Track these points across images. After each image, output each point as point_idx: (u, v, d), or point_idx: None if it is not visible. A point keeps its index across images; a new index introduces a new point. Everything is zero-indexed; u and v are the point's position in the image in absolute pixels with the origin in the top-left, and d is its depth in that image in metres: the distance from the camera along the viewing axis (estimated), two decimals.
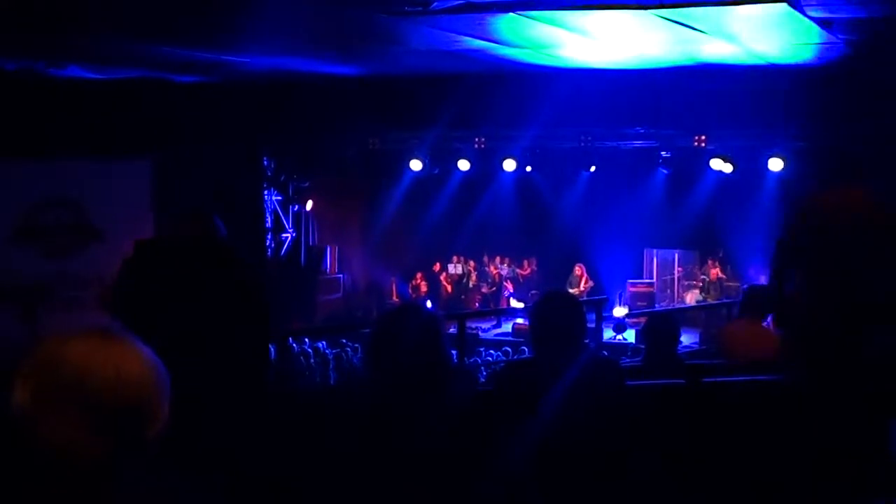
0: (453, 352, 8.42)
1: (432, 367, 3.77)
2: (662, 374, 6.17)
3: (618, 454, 4.46)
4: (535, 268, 24.11)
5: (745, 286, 20.42)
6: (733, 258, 21.51)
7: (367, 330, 4.01)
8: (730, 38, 12.41)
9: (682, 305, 21.37)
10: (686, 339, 17.94)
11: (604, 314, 16.50)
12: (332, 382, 13.89)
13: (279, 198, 21.59)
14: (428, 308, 4.24)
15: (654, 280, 22.36)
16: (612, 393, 4.63)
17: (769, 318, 7.64)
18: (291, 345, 15.07)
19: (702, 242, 22.19)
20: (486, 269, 24.10)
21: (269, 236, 21.26)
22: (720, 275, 21.54)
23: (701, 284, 21.75)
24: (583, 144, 18.26)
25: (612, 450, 4.45)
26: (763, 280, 17.62)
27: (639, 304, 21.07)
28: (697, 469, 5.05)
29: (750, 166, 18.06)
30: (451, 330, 10.37)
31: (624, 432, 4.53)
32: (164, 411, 2.21)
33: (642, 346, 7.42)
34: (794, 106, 15.48)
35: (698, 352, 16.78)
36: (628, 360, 13.16)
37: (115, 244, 17.30)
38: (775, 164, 17.43)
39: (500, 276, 23.93)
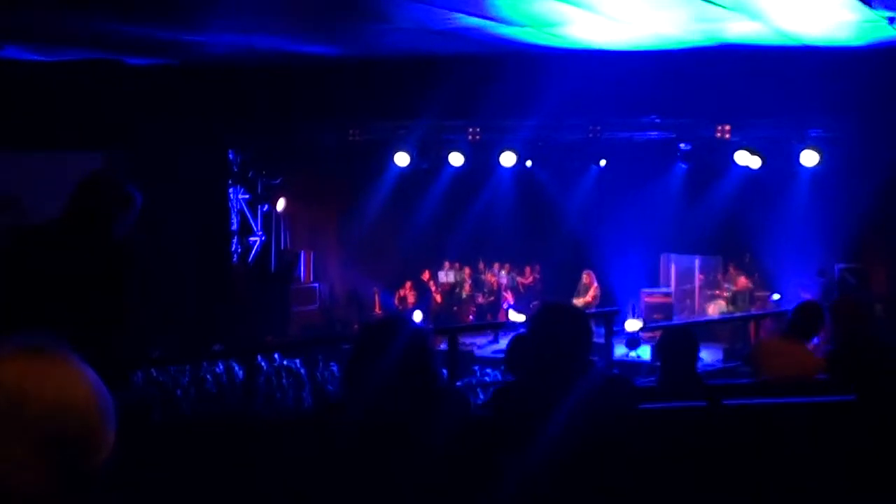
0: (444, 371, 8.42)
1: (420, 389, 3.76)
2: (680, 395, 6.17)
3: (628, 487, 4.45)
4: (537, 275, 24.12)
5: (772, 296, 20.50)
6: (762, 265, 21.52)
7: (347, 346, 4.01)
8: (756, 15, 12.44)
9: (704, 318, 21.37)
10: (708, 355, 17.96)
11: (615, 328, 16.51)
12: (306, 406, 13.86)
13: (246, 196, 21.57)
14: (415, 321, 4.24)
15: (672, 289, 22.36)
16: (622, 417, 4.62)
17: (815, 341, 7.68)
18: (260, 363, 15.03)
19: (726, 247, 22.21)
20: (483, 277, 24.12)
21: (234, 240, 21.25)
22: (748, 284, 21.53)
23: (725, 294, 21.75)
24: (591, 136, 18.28)
25: (622, 483, 4.44)
26: (803, 294, 17.66)
27: (655, 316, 21.06)
28: (719, 502, 5.04)
29: (780, 160, 18.10)
30: (442, 346, 10.39)
31: (636, 462, 4.52)
32: (111, 439, 2.20)
33: (657, 364, 7.42)
34: (830, 92, 15.48)
35: (721, 370, 16.78)
36: (643, 379, 13.16)
37: None
38: (809, 158, 17.46)
39: (499, 284, 23.95)
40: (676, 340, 7.37)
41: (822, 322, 7.52)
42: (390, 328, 3.91)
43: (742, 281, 21.60)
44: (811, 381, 6.73)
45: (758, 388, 6.79)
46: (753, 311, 20.03)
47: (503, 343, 20.64)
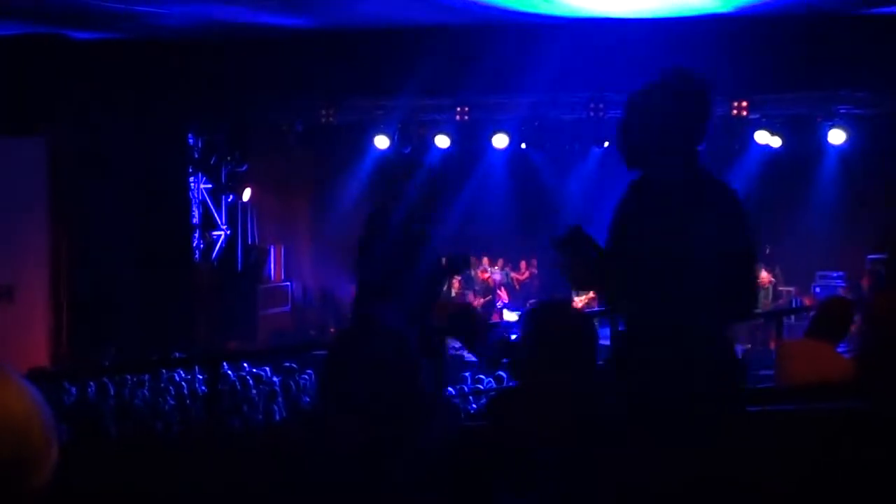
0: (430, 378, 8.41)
1: (404, 399, 3.75)
2: None
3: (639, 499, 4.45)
4: (534, 271, 24.12)
5: (794, 292, 20.48)
6: (784, 256, 21.52)
7: (323, 352, 4.00)
8: None
9: None
10: None
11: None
12: (277, 419, 13.86)
13: (209, 185, 21.54)
14: (396, 326, 4.23)
15: None
16: (625, 426, 4.61)
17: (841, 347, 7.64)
18: (226, 371, 15.01)
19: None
20: (474, 273, 24.11)
21: (196, 234, 21.22)
22: (769, 278, 21.49)
23: None
24: (592, 114, 18.26)
25: (630, 493, 4.44)
26: (838, 288, 17.66)
27: None
28: None
29: (804, 139, 18.13)
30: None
31: (644, 472, 4.52)
32: (53, 457, 2.19)
33: None
34: (861, 63, 15.50)
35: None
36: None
37: (2, 238, 17.29)
38: (836, 137, 17.50)
39: (493, 281, 23.94)
40: None
41: (851, 322, 7.48)
42: (371, 331, 3.90)
43: (762, 275, 21.54)
44: (835, 386, 6.71)
45: (778, 395, 6.78)
46: (774, 307, 19.99)
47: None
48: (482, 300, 23.32)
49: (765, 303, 21.21)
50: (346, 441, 3.75)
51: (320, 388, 3.94)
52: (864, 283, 18.57)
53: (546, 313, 4.86)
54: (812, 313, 8.07)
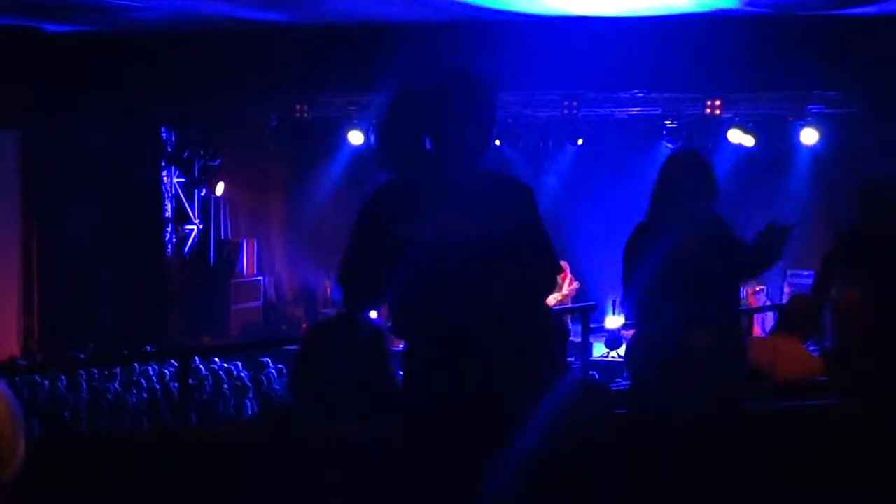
0: (400, 373, 8.41)
1: (376, 395, 3.75)
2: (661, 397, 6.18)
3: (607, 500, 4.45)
4: None
5: (766, 291, 20.53)
6: None
7: (295, 347, 3.99)
8: None
9: None
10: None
11: (593, 325, 16.51)
12: (249, 414, 13.82)
13: (182, 180, 21.47)
14: (371, 319, 4.22)
15: None
16: (600, 428, 4.61)
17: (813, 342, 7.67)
18: (198, 366, 14.97)
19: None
20: None
21: (169, 228, 21.15)
22: None
23: None
24: (567, 112, 18.28)
25: (598, 496, 4.44)
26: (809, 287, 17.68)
27: None
28: None
29: (777, 139, 18.17)
30: (400, 347, 10.38)
31: (614, 474, 4.52)
32: (21, 450, 2.19)
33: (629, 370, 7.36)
34: (833, 63, 15.55)
35: None
36: (625, 382, 13.16)
37: None
38: (808, 136, 17.55)
39: None
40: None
41: (818, 320, 7.48)
42: (344, 327, 3.90)
43: None
44: (807, 383, 6.72)
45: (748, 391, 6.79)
46: (744, 307, 20.03)
47: None
48: None
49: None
50: (318, 434, 3.75)
51: (292, 383, 3.93)
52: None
53: None
54: (778, 311, 8.10)
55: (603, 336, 19.17)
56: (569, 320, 15.92)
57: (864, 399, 5.55)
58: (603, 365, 17.74)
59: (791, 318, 7.67)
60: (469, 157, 4.54)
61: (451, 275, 4.15)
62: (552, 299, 20.10)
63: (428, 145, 4.55)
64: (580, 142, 19.54)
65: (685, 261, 5.88)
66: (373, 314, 19.25)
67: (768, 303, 19.55)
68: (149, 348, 16.34)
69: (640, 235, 6.21)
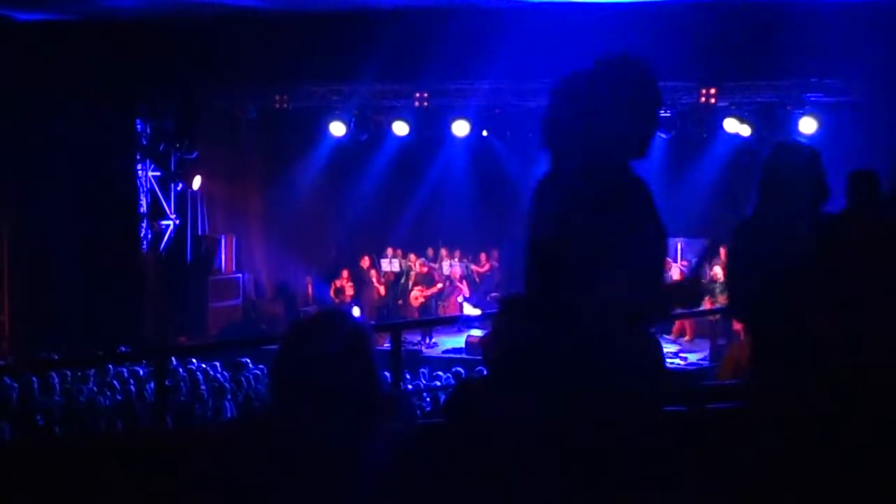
0: (386, 374, 8.41)
1: (359, 394, 3.74)
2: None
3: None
4: (495, 263, 24.08)
5: None
6: None
7: (275, 347, 3.98)
8: None
9: (686, 311, 21.37)
10: (694, 355, 18.12)
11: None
12: (228, 416, 13.81)
13: (158, 173, 21.43)
14: (354, 317, 4.22)
15: None
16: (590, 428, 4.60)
17: None
18: (174, 367, 14.95)
19: (713, 228, 22.28)
20: (432, 265, 24.06)
21: (144, 224, 21.12)
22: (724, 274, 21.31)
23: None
24: None
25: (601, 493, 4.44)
26: None
27: None
28: None
29: (775, 128, 18.16)
30: (385, 346, 10.36)
31: (613, 472, 4.52)
32: None
33: None
34: (831, 51, 15.56)
35: (706, 370, 16.87)
36: None
37: None
38: (807, 126, 17.56)
39: (456, 274, 23.83)
40: None
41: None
42: (326, 324, 3.88)
43: (714, 270, 21.32)
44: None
45: (746, 390, 6.81)
46: None
47: (456, 341, 20.65)
48: (427, 291, 23.11)
49: (721, 298, 20.92)
50: (300, 436, 3.74)
51: (272, 383, 3.92)
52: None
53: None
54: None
55: None
56: None
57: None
58: None
59: None
60: (632, 150, 4.63)
61: None
62: None
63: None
64: None
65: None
66: (356, 311, 19.16)
67: None
68: (123, 349, 16.31)
69: (749, 236, 6.02)
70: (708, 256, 7.72)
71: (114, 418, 12.95)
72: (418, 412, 11.48)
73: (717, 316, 17.41)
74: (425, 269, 23.09)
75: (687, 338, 20.29)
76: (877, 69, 15.73)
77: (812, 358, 5.26)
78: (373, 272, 23.77)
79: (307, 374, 3.75)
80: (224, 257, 23.24)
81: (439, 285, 23.01)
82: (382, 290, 23.66)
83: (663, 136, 19.28)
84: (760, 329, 5.75)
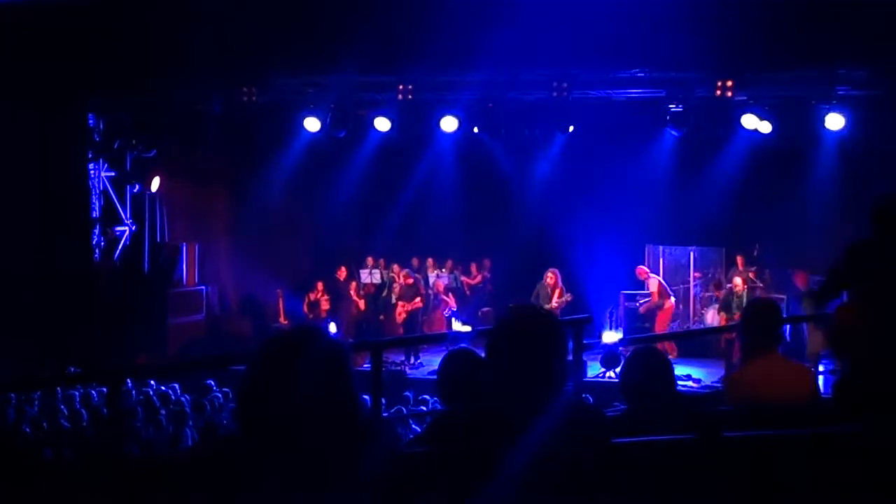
0: (366, 398, 8.40)
1: (336, 421, 3.72)
2: (662, 425, 6.20)
3: None
4: (487, 275, 24.08)
5: (786, 298, 20.52)
6: (774, 258, 21.49)
7: (243, 367, 3.96)
8: None
9: (700, 327, 21.40)
10: (707, 375, 18.11)
11: (588, 341, 16.49)
12: (189, 444, 13.80)
13: (111, 174, 21.42)
14: (331, 334, 4.20)
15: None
16: (592, 455, 4.60)
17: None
18: (130, 389, 14.91)
19: (729, 236, 22.28)
20: (417, 276, 24.03)
21: (96, 230, 21.09)
22: (755, 281, 21.37)
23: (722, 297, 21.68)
24: (556, 94, 18.26)
25: None
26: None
27: (638, 325, 21.09)
28: None
29: (798, 124, 18.19)
30: (364, 366, 10.35)
31: None
32: None
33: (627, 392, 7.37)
34: (861, 37, 15.56)
35: (719, 393, 16.85)
36: (622, 406, 13.12)
37: None
38: (834, 121, 17.57)
39: (441, 287, 23.81)
40: (644, 361, 7.35)
41: (778, 323, 7.53)
42: (299, 342, 3.86)
43: (735, 280, 21.28)
44: (811, 408, 6.78)
45: (761, 416, 6.81)
46: None
47: (434, 362, 20.60)
48: (408, 305, 22.96)
49: (737, 314, 20.86)
50: (270, 467, 3.71)
51: (241, 406, 3.89)
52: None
53: (515, 320, 4.80)
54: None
55: (599, 353, 19.11)
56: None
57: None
58: (599, 386, 17.70)
59: (755, 332, 7.67)
60: None
61: None
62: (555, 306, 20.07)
63: None
64: (571, 129, 19.52)
65: None
66: (332, 328, 19.19)
67: None
68: (73, 369, 16.28)
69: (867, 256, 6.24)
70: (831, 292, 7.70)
71: (62, 447, 12.91)
72: (402, 440, 11.46)
73: (734, 335, 17.34)
74: (410, 281, 22.98)
75: (671, 356, 20.26)
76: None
77: None
78: (351, 284, 23.75)
79: (278, 397, 3.72)
80: (186, 267, 23.23)
81: (419, 299, 22.86)
82: (362, 304, 23.65)
83: (675, 132, 19.29)
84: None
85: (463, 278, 24.05)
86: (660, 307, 20.97)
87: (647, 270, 21.59)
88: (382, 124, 19.78)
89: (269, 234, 23.47)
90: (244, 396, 3.86)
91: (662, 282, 21.43)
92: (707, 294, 22.31)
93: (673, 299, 21.22)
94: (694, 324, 21.79)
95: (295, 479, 3.70)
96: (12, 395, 14.54)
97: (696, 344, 20.37)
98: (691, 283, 22.50)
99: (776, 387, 7.23)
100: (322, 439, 3.74)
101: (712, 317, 21.56)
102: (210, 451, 4.28)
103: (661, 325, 20.90)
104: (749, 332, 7.60)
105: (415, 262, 24.01)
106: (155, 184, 21.99)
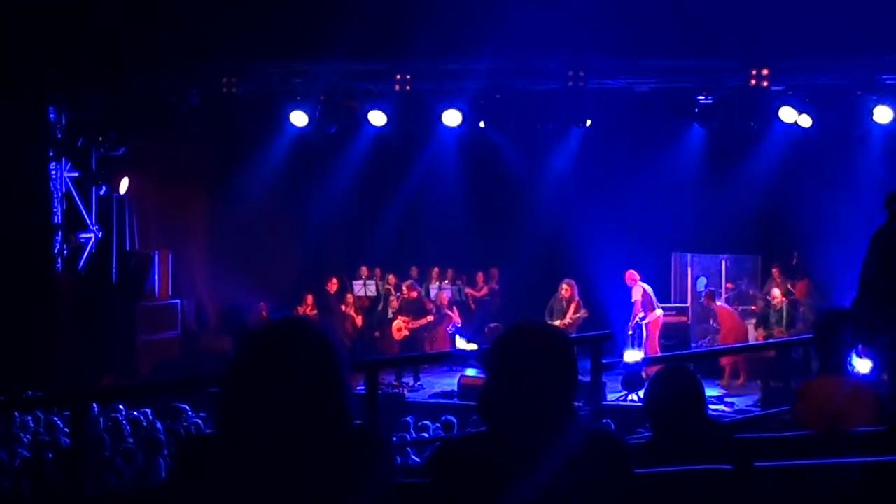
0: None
1: (327, 421, 3.69)
2: (691, 453, 6.20)
3: None
4: (494, 286, 24.06)
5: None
6: (815, 267, 21.45)
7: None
8: None
9: (733, 345, 21.34)
10: (740, 400, 18.11)
11: (608, 360, 16.48)
12: (163, 477, 13.80)
13: (75, 174, 21.43)
14: (322, 325, 4.16)
15: (689, 304, 22.35)
16: (612, 486, 4.60)
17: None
18: (96, 415, 14.91)
19: (766, 243, 22.28)
20: (417, 289, 24.02)
21: (58, 237, 21.10)
22: (782, 297, 21.19)
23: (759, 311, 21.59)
24: (571, 85, 18.28)
25: None
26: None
27: (664, 343, 21.04)
28: None
29: (841, 118, 18.20)
30: (359, 388, 10.36)
31: None
32: None
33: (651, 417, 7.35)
34: None
35: (756, 419, 16.84)
36: (648, 433, 13.10)
37: None
38: (882, 114, 17.58)
39: (445, 300, 23.77)
40: (670, 382, 7.34)
41: (844, 335, 7.53)
42: (283, 335, 3.85)
43: (773, 292, 21.17)
44: (861, 433, 6.77)
45: (805, 445, 6.81)
46: (803, 334, 19.82)
47: (447, 383, 20.60)
48: (415, 322, 22.85)
49: (777, 330, 20.77)
50: (250, 472, 3.70)
51: (220, 405, 3.87)
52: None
53: (518, 340, 4.79)
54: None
55: (620, 374, 19.11)
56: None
57: None
58: (619, 410, 17.68)
59: (819, 347, 7.69)
60: None
61: None
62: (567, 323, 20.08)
63: None
64: (588, 123, 19.54)
65: None
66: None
67: None
68: (32, 393, 16.28)
69: None
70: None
71: (20, 479, 12.91)
72: (402, 467, 11.46)
73: (773, 352, 17.28)
74: (415, 295, 22.92)
75: (739, 381, 20.24)
76: None
77: None
78: (347, 297, 23.73)
79: (259, 396, 3.70)
80: (158, 278, 23.24)
81: (430, 317, 22.81)
82: (359, 320, 23.62)
83: (703, 127, 19.28)
84: None
85: (468, 290, 24.00)
86: (642, 319, 20.90)
87: (637, 276, 21.47)
88: (377, 118, 19.77)
89: (251, 241, 23.45)
90: (226, 393, 3.84)
91: (648, 290, 21.31)
92: (742, 307, 22.24)
93: (660, 311, 21.13)
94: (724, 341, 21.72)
95: (274, 488, 3.69)
96: None
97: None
98: (723, 296, 22.46)
99: (837, 408, 7.23)
100: (310, 440, 3.72)
101: (749, 331, 21.50)
102: (185, 454, 4.27)
103: (653, 341, 20.83)
104: (818, 345, 7.65)
105: (414, 271, 23.93)
106: (124, 185, 21.99)
